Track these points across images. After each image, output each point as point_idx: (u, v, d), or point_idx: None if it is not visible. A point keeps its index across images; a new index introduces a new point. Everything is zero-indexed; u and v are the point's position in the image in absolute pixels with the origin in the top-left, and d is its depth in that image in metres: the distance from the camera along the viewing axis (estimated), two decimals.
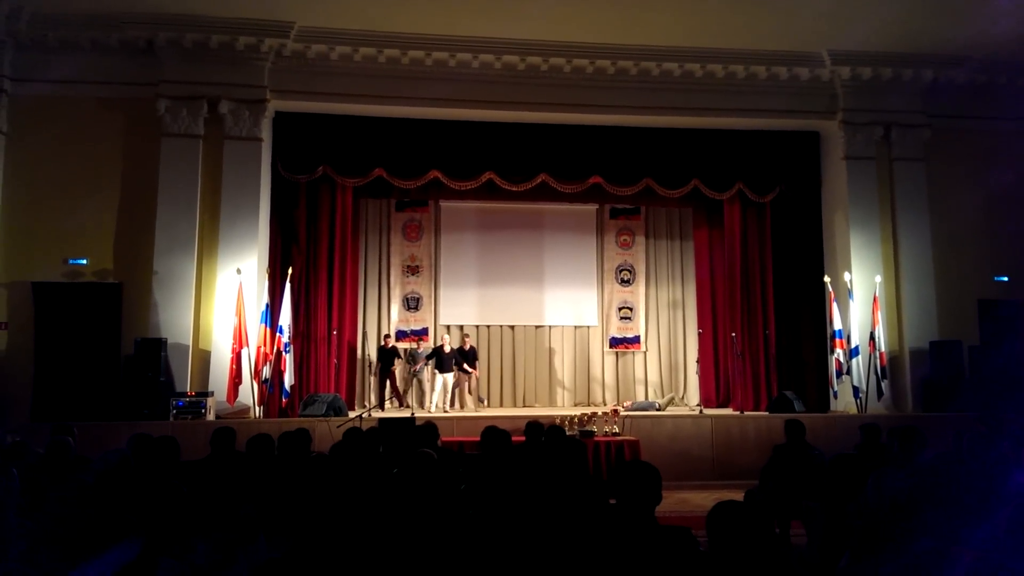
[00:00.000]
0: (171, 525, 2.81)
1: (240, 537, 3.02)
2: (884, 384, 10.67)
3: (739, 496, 5.08)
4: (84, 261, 10.15)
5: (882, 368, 10.66)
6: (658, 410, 11.50)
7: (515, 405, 12.86)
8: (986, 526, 2.75)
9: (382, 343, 12.05)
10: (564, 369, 13.20)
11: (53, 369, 9.78)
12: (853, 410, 10.73)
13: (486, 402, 12.27)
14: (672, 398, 12.63)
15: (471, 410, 11.61)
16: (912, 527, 2.67)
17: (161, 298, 9.93)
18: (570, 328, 13.32)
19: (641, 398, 12.74)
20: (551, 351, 13.22)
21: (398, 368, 11.97)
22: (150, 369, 9.51)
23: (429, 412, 11.04)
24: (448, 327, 12.84)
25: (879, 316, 10.79)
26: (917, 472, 4.01)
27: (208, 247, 10.22)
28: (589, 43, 10.75)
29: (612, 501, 3.12)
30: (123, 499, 2.96)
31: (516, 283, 13.11)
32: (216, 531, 3.05)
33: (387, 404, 11.55)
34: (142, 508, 2.82)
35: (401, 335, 12.51)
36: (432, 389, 11.67)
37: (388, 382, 11.86)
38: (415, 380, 11.90)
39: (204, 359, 10.06)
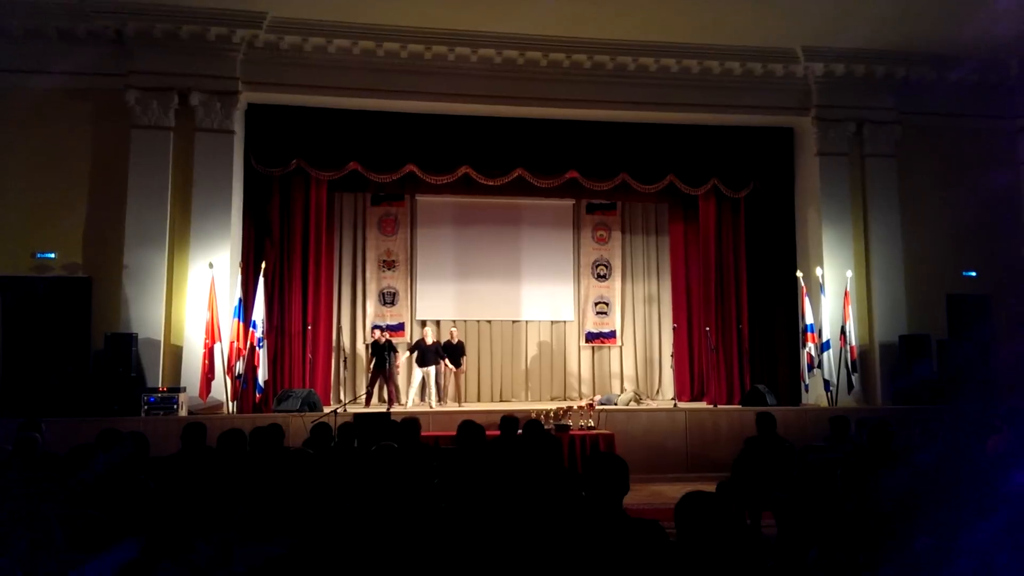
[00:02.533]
0: (164, 526, 2.79)
1: (239, 537, 3.00)
2: (854, 377, 10.82)
3: (712, 488, 5.13)
4: (52, 255, 9.96)
5: (852, 362, 10.81)
6: (614, 405, 11.47)
7: (492, 400, 12.87)
8: (986, 526, 2.78)
9: (375, 338, 11.52)
10: (540, 364, 13.22)
11: (21, 364, 9.62)
12: (824, 403, 10.87)
13: (444, 401, 11.74)
14: (631, 397, 12.35)
15: (453, 406, 11.50)
16: (912, 527, 2.69)
17: (131, 292, 9.78)
18: (547, 323, 13.35)
19: (616, 391, 12.81)
20: (528, 346, 13.24)
21: (394, 364, 11.38)
22: (120, 364, 9.36)
23: (406, 407, 10.99)
24: (424, 322, 12.79)
25: (850, 310, 10.95)
26: (917, 472, 4.05)
27: (179, 241, 10.07)
28: (566, 37, 10.74)
29: (584, 494, 3.13)
30: (121, 499, 2.93)
31: (493, 278, 13.10)
32: (214, 531, 3.03)
33: (374, 400, 11.25)
34: (137, 508, 2.81)
35: (377, 330, 12.41)
36: (409, 384, 11.62)
37: (380, 379, 11.29)
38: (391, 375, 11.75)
39: (176, 354, 9.93)
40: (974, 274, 11.81)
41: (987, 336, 11.57)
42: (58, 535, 2.55)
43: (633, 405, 11.74)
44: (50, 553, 2.53)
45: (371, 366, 11.43)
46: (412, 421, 6.01)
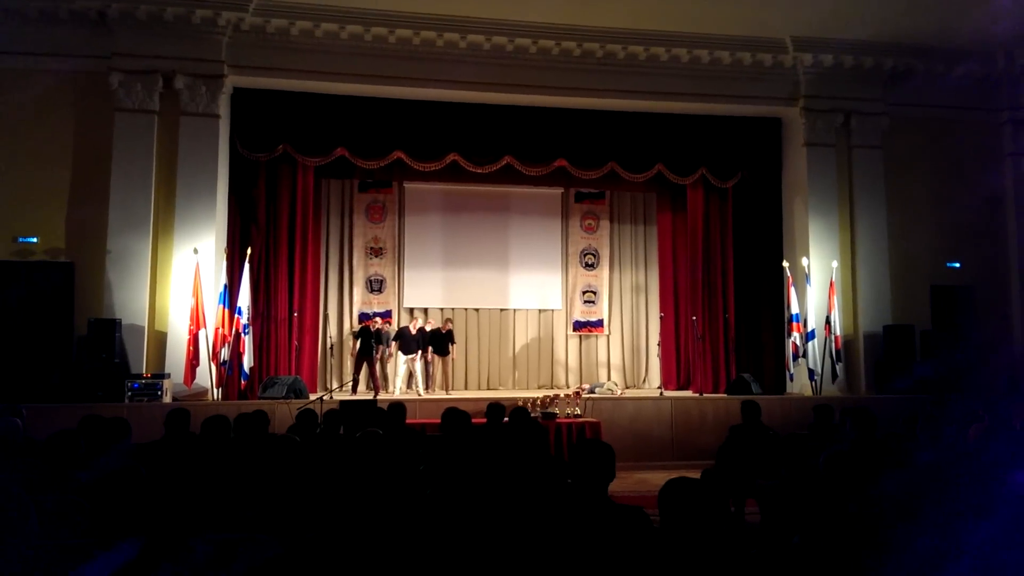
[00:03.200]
0: (163, 524, 2.77)
1: (240, 536, 2.98)
2: (839, 367, 10.90)
3: (697, 475, 5.14)
4: (35, 239, 9.85)
5: (837, 351, 10.89)
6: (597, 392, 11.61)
7: (479, 388, 12.87)
8: (986, 526, 2.79)
9: (364, 323, 11.48)
10: (528, 352, 13.23)
11: (3, 350, 9.50)
12: (808, 392, 10.95)
13: (431, 389, 11.73)
14: (611, 390, 12.13)
15: (440, 393, 11.47)
16: (912, 527, 2.71)
17: (115, 278, 9.68)
18: (534, 311, 13.36)
19: (604, 380, 12.85)
20: (515, 334, 13.24)
21: (380, 353, 11.36)
22: (104, 350, 9.29)
23: (393, 395, 10.96)
24: (412, 310, 12.76)
25: (835, 300, 11.01)
26: (917, 471, 4.07)
27: (164, 226, 9.98)
28: (556, 25, 10.70)
29: (569, 481, 3.13)
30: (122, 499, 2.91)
31: (481, 266, 13.08)
32: (214, 531, 3.01)
33: (360, 388, 11.20)
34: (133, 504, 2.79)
35: (364, 317, 12.38)
36: (396, 372, 11.59)
37: (366, 366, 11.26)
38: (378, 363, 11.70)
39: (160, 341, 9.85)
40: (958, 265, 11.91)
41: (969, 327, 11.66)
42: (34, 524, 2.52)
43: (632, 392, 11.71)
44: (27, 544, 2.50)
45: (355, 352, 11.39)
46: (398, 406, 6.02)
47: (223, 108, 10.39)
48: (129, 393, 9.10)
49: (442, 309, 12.83)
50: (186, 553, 2.62)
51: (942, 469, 4.23)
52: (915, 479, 3.73)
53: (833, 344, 10.89)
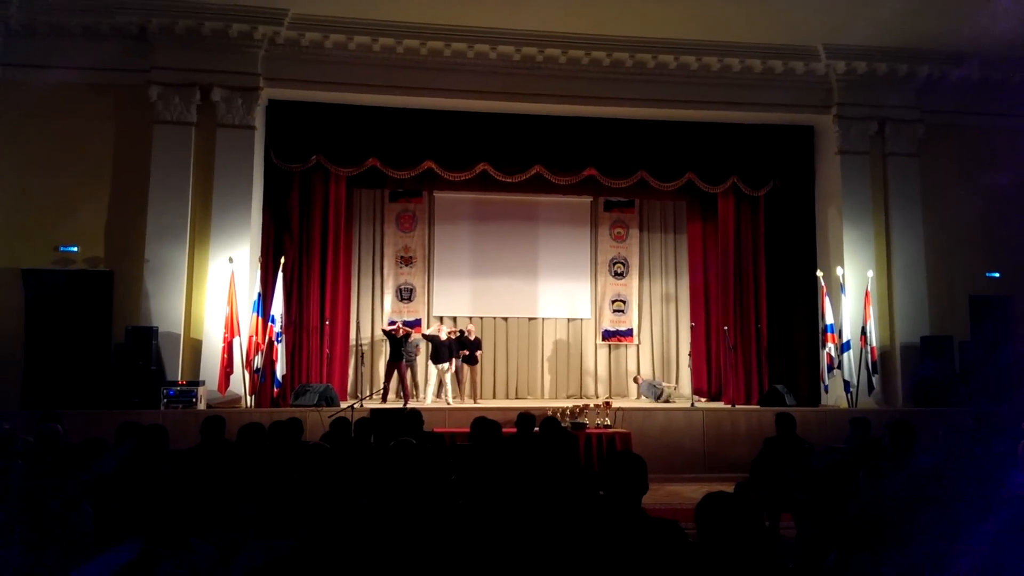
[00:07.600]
0: (170, 524, 2.81)
1: (240, 537, 3.01)
2: (875, 379, 10.70)
3: (730, 489, 5.09)
4: (75, 248, 10.08)
5: (873, 363, 10.69)
6: (661, 395, 11.76)
7: (508, 397, 12.87)
8: (986, 526, 2.75)
9: (391, 331, 11.39)
10: (557, 361, 13.20)
11: (43, 356, 9.73)
12: (844, 404, 10.76)
13: (460, 398, 11.63)
14: (671, 392, 12.36)
15: (469, 402, 11.45)
16: (912, 527, 2.67)
17: (152, 286, 9.87)
18: (563, 320, 13.33)
19: (632, 393, 12.77)
20: (544, 343, 13.22)
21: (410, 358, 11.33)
22: (141, 358, 9.46)
23: (423, 403, 10.99)
24: (441, 318, 12.81)
25: (871, 311, 10.82)
26: (916, 473, 4.01)
27: (200, 235, 10.16)
28: (586, 34, 10.70)
29: (602, 493, 3.12)
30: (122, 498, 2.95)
31: (510, 275, 13.10)
32: (216, 531, 3.04)
33: (390, 397, 11.18)
34: (141, 506, 2.82)
35: (391, 325, 12.41)
36: (427, 380, 11.61)
37: (396, 374, 11.24)
38: (408, 371, 11.71)
39: (195, 348, 10.01)
40: (997, 275, 11.64)
41: (1009, 338, 11.38)
42: (59, 531, 2.56)
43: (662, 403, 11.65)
44: (50, 549, 2.54)
45: (387, 361, 11.40)
46: (413, 414, 6.10)
47: (258, 120, 10.57)
48: (165, 400, 9.25)
49: (471, 318, 12.86)
50: (187, 553, 2.64)
51: (941, 469, 4.16)
52: (915, 480, 3.68)
53: (869, 355, 10.70)
